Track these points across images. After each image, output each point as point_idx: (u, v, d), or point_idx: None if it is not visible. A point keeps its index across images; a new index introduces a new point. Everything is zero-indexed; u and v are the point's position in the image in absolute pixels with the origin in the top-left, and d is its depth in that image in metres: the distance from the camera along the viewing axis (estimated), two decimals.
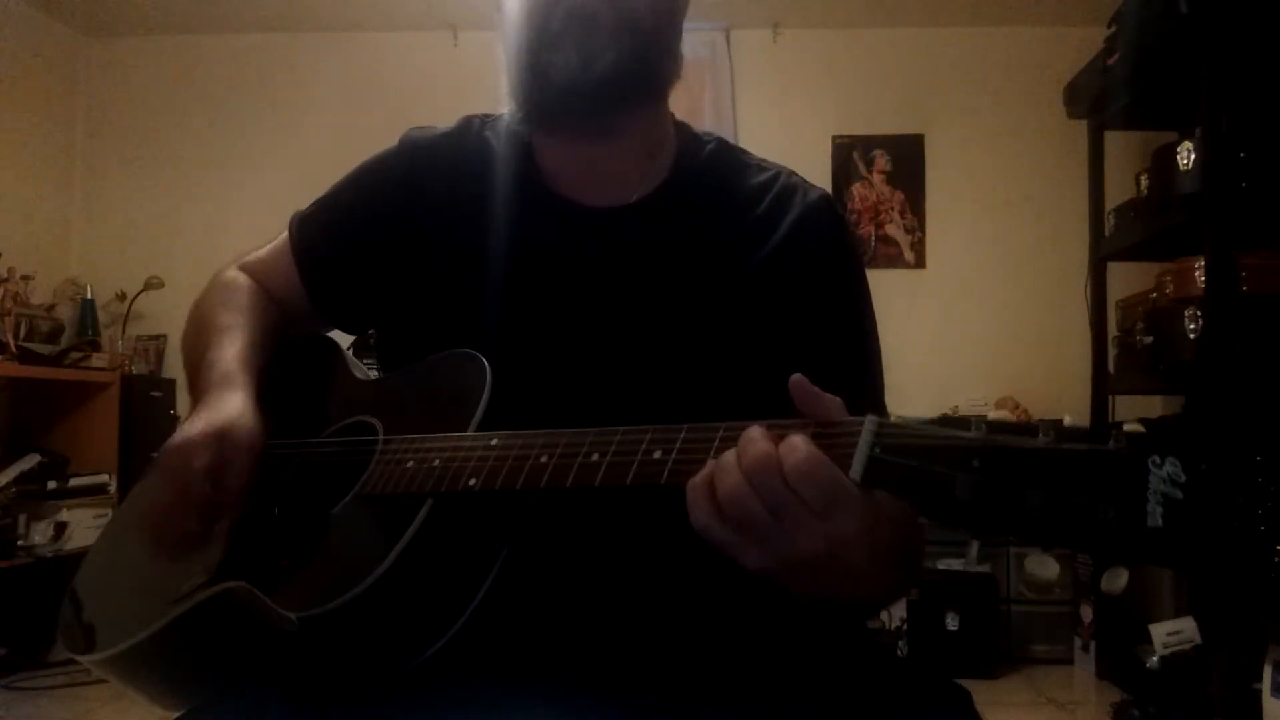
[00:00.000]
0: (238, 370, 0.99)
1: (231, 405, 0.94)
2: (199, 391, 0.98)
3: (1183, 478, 0.56)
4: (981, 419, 0.62)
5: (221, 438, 0.90)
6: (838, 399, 0.71)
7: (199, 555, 0.88)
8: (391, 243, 1.05)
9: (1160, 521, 0.55)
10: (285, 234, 1.14)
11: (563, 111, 0.98)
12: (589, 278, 0.99)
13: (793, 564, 0.68)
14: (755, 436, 0.68)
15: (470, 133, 1.09)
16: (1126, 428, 0.56)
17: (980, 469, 0.60)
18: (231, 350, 1.01)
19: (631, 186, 1.03)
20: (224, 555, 0.88)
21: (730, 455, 0.69)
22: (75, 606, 1.03)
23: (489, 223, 1.02)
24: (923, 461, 0.62)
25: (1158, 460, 0.56)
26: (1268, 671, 2.40)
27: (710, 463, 0.70)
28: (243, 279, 1.13)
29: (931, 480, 0.62)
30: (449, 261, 1.02)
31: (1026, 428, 0.60)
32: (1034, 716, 3.04)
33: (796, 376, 0.71)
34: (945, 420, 0.63)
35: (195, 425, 0.91)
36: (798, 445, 0.66)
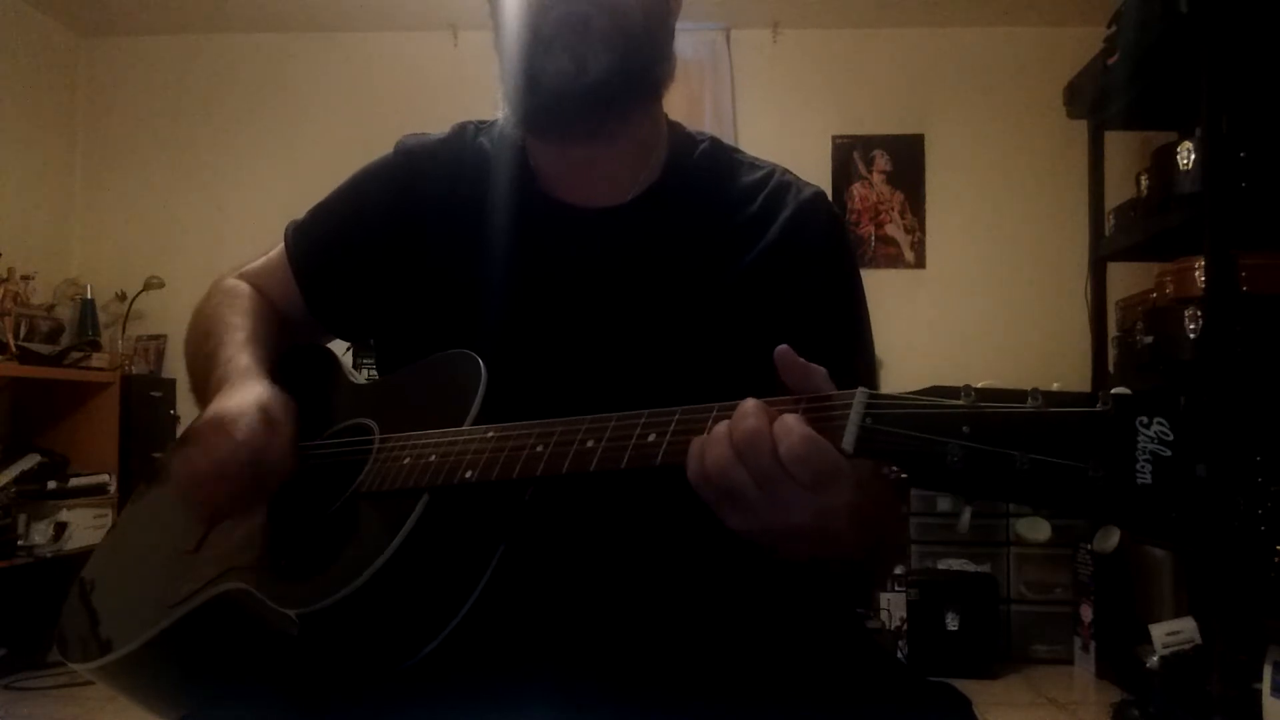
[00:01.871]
0: (253, 365, 0.99)
1: (260, 386, 0.94)
2: (215, 384, 0.98)
3: (1170, 436, 0.56)
4: (970, 387, 0.62)
5: (262, 409, 0.90)
6: (822, 368, 0.72)
7: (238, 529, 0.89)
8: (388, 250, 1.05)
9: (1149, 479, 0.56)
10: (281, 244, 1.14)
11: (556, 116, 0.98)
12: (583, 278, 1.00)
13: (780, 531, 0.69)
14: (748, 411, 0.69)
15: (465, 138, 1.10)
16: (1114, 390, 0.56)
17: (970, 435, 0.61)
18: (244, 349, 1.02)
19: (625, 187, 1.03)
20: (262, 531, 0.88)
21: (722, 427, 0.69)
22: (73, 616, 1.03)
23: (484, 227, 1.03)
24: (914, 430, 0.63)
25: (1145, 420, 0.56)
26: (1268, 671, 2.39)
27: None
28: (243, 286, 1.14)
29: (923, 448, 0.62)
30: (446, 266, 1.02)
31: (1015, 394, 0.60)
32: (1034, 716, 3.03)
33: (782, 348, 0.71)
34: (935, 390, 0.64)
35: (228, 403, 0.91)
36: (793, 427, 0.67)
